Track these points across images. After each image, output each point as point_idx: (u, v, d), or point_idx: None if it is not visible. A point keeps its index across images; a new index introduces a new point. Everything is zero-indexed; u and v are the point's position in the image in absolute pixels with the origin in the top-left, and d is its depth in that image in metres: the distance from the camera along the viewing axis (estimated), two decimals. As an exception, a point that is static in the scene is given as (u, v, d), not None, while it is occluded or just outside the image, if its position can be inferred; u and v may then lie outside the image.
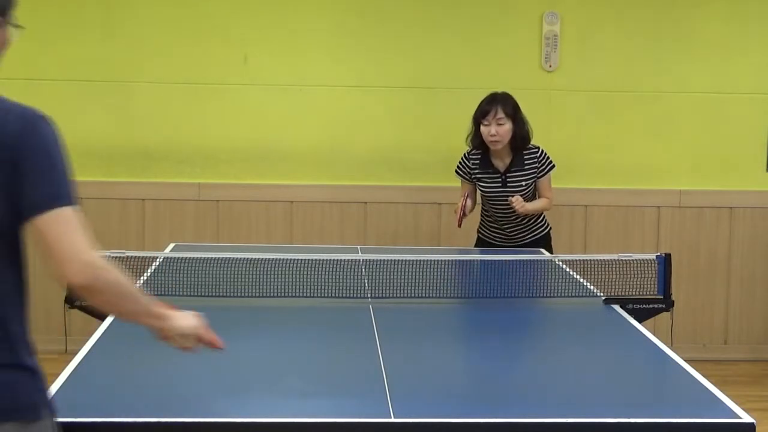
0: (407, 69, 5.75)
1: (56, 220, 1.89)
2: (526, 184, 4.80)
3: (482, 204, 4.97)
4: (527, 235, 4.88)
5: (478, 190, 4.93)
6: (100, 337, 2.97)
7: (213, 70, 5.71)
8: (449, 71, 5.74)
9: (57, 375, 2.54)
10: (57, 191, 1.91)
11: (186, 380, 2.63)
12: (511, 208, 4.74)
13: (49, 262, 1.90)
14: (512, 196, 4.74)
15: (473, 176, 4.87)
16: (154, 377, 2.67)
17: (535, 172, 4.81)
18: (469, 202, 4.81)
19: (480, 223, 5.01)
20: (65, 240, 1.89)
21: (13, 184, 1.90)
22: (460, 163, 4.92)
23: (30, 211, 1.90)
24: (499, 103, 4.74)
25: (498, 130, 4.71)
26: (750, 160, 5.86)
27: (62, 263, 1.89)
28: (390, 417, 2.31)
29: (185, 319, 2.18)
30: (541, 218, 4.93)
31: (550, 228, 4.99)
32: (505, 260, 4.11)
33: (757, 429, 2.30)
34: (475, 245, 5.05)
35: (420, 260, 3.86)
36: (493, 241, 4.93)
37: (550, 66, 5.75)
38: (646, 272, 3.77)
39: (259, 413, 2.32)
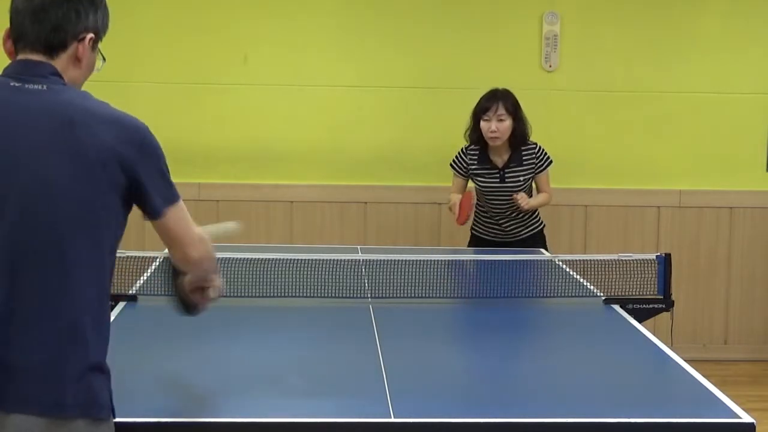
0: (407, 69, 5.75)
1: (174, 216, 2.17)
2: (524, 180, 4.82)
3: (478, 200, 4.97)
4: (523, 230, 4.90)
5: (475, 185, 4.92)
6: (100, 337, 2.96)
7: (213, 70, 5.71)
8: (449, 71, 5.74)
9: (57, 375, 2.54)
10: (170, 191, 2.17)
11: (186, 380, 2.63)
12: (509, 203, 4.75)
13: (176, 248, 2.22)
14: (511, 192, 4.74)
15: (470, 172, 4.88)
16: (154, 377, 2.66)
17: (533, 169, 4.83)
18: (467, 201, 4.79)
19: (474, 220, 5.00)
20: (186, 230, 2.20)
21: (129, 188, 2.10)
22: (456, 157, 4.92)
23: (156, 212, 2.15)
24: (500, 99, 4.76)
25: (498, 127, 4.72)
26: (750, 160, 5.86)
27: (187, 247, 2.21)
28: (390, 417, 2.31)
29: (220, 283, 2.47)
30: (535, 214, 4.94)
31: (544, 225, 5.00)
32: (505, 260, 4.11)
33: (757, 429, 2.30)
34: (469, 244, 5.04)
35: (420, 260, 3.86)
36: (489, 238, 4.93)
37: (550, 66, 5.75)
38: (646, 272, 3.76)
39: (259, 413, 2.32)
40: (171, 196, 2.16)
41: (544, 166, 4.85)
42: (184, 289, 2.44)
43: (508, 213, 4.83)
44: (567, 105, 5.79)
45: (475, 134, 4.82)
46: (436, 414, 2.33)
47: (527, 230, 4.90)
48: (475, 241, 5.01)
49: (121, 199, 2.10)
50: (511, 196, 4.79)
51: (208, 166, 5.73)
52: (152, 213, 2.15)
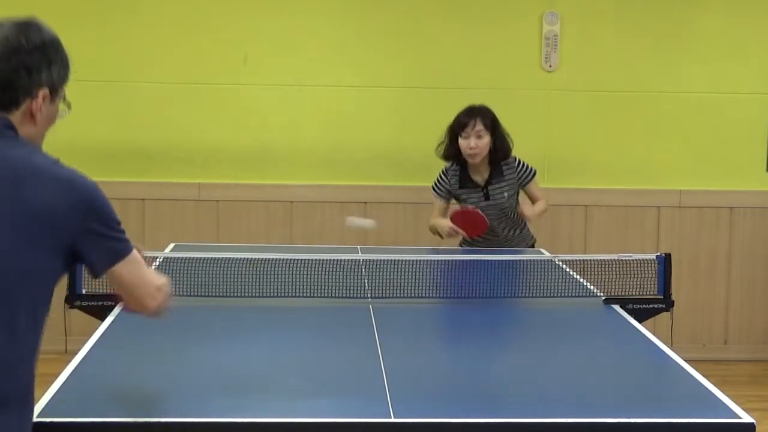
0: (407, 69, 5.75)
1: (127, 269, 2.14)
2: (508, 195, 4.74)
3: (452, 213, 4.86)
4: (515, 248, 4.84)
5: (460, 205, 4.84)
6: (100, 338, 2.97)
7: (213, 70, 5.71)
8: (449, 71, 5.74)
9: (57, 375, 2.54)
10: (121, 246, 2.13)
11: (186, 380, 2.63)
12: (498, 220, 4.70)
13: (130, 301, 2.22)
14: (497, 209, 4.70)
15: (453, 193, 4.80)
16: (154, 377, 2.67)
17: (515, 183, 4.75)
18: (460, 217, 4.72)
19: (463, 241, 4.87)
20: (139, 284, 2.18)
21: (74, 248, 2.07)
22: (438, 180, 4.81)
23: (101, 269, 2.12)
24: (478, 115, 4.66)
25: (477, 143, 4.63)
26: (750, 160, 5.86)
27: (142, 299, 2.20)
28: (390, 417, 2.31)
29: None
30: (525, 230, 4.87)
31: (535, 240, 4.94)
32: (506, 260, 4.10)
33: (757, 429, 2.30)
34: None
35: (420, 260, 3.86)
36: None
37: (550, 66, 5.75)
38: (646, 272, 3.76)
39: (259, 413, 2.32)
40: (119, 251, 2.13)
41: (528, 178, 4.76)
42: None
43: (497, 231, 4.77)
44: (567, 105, 5.79)
45: (450, 150, 4.72)
46: (436, 414, 2.33)
47: (519, 248, 4.85)
48: None
49: (61, 260, 2.06)
50: (497, 212, 4.72)
51: (208, 166, 5.73)
52: (96, 272, 2.13)
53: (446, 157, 4.77)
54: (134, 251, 2.16)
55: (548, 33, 5.74)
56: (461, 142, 4.66)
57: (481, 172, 4.74)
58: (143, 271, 2.19)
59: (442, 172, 4.82)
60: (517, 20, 5.75)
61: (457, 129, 4.69)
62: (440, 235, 4.81)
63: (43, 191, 2.01)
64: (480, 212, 4.64)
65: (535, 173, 4.79)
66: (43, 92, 2.08)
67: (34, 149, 2.09)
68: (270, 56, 5.73)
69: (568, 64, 5.77)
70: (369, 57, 5.76)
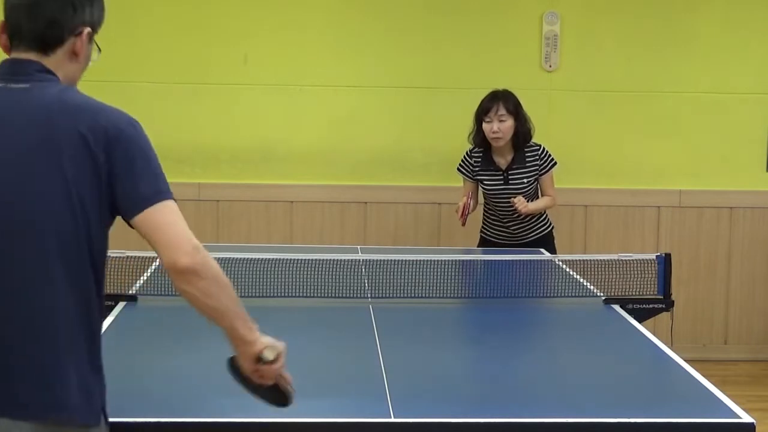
0: (407, 69, 5.75)
1: (163, 212, 2.00)
2: (527, 182, 4.82)
3: (485, 203, 4.97)
4: (531, 233, 4.90)
5: (480, 188, 4.93)
6: (100, 337, 2.96)
7: (213, 70, 5.71)
8: (449, 71, 5.74)
9: (57, 375, 2.54)
10: (159, 186, 2.04)
11: (186, 380, 2.63)
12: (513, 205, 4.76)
13: (160, 250, 2.00)
14: (514, 196, 4.75)
15: (475, 175, 4.88)
16: (154, 377, 2.67)
17: (536, 170, 4.84)
18: (471, 201, 4.81)
19: (483, 222, 5.01)
20: (174, 229, 2.00)
21: (115, 181, 1.99)
22: (462, 161, 4.94)
23: (137, 207, 1.99)
24: (501, 99, 4.78)
25: (500, 127, 4.74)
26: (750, 160, 5.86)
27: (173, 248, 1.99)
28: (390, 417, 2.31)
29: (273, 340, 2.15)
30: (544, 216, 4.95)
31: (553, 226, 5.01)
32: (505, 260, 4.11)
33: (757, 429, 2.30)
34: (478, 245, 5.05)
35: (420, 260, 3.86)
36: (497, 240, 4.94)
37: (550, 66, 5.75)
38: (646, 272, 3.76)
39: (259, 413, 2.32)
40: (161, 190, 2.03)
41: (548, 167, 4.86)
42: (249, 377, 2.12)
43: (514, 215, 4.83)
44: (567, 105, 5.79)
45: (479, 136, 4.84)
46: (436, 414, 2.33)
47: (534, 233, 4.90)
48: (483, 244, 5.00)
49: (99, 190, 1.99)
50: (513, 196, 4.80)
51: (208, 166, 5.73)
52: (130, 206, 1.99)
53: (476, 144, 4.87)
54: (173, 202, 2.03)
55: (548, 33, 5.74)
56: (485, 126, 4.77)
57: (504, 155, 4.84)
58: (184, 224, 2.01)
59: (466, 153, 4.94)
60: (517, 20, 5.75)
61: (480, 114, 4.81)
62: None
63: (75, 121, 1.99)
64: None
65: (555, 164, 4.90)
66: (87, 30, 2.09)
67: (68, 87, 2.09)
68: (270, 56, 5.73)
69: (568, 64, 5.77)
70: (369, 57, 5.75)
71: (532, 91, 5.64)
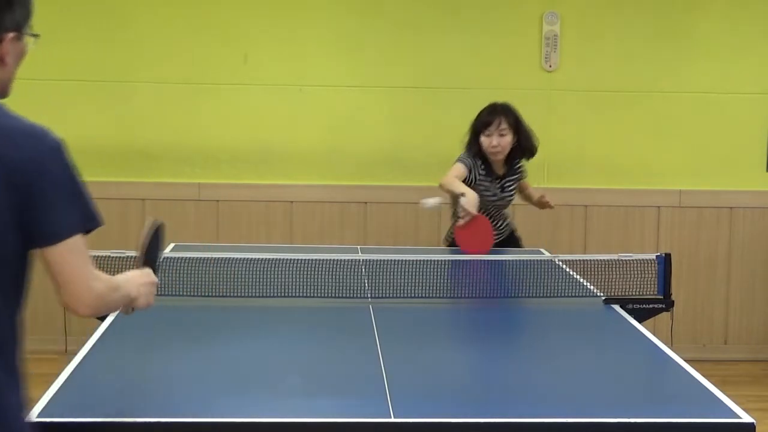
0: (407, 69, 5.75)
1: (66, 252, 1.94)
2: (513, 189, 4.91)
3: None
4: (502, 234, 4.93)
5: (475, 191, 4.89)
6: (100, 337, 2.97)
7: (213, 70, 5.71)
8: (449, 71, 5.74)
9: (57, 375, 2.54)
10: (66, 220, 1.95)
11: (186, 380, 2.63)
12: (499, 212, 4.83)
13: (60, 293, 1.98)
14: (507, 201, 4.85)
15: (477, 180, 4.83)
16: (154, 377, 2.67)
17: (518, 178, 4.92)
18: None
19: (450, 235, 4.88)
20: (74, 274, 1.96)
21: (24, 210, 1.91)
22: (471, 160, 4.76)
23: (41, 241, 1.94)
24: (501, 114, 4.73)
25: (500, 142, 4.70)
26: (750, 160, 5.86)
27: (73, 298, 1.98)
28: (390, 417, 2.31)
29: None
30: (508, 220, 5.00)
31: (515, 228, 5.05)
32: (505, 260, 4.10)
33: (757, 429, 2.30)
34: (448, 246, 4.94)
35: (420, 260, 3.86)
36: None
37: (550, 66, 5.75)
38: (646, 272, 3.76)
39: (259, 413, 2.32)
40: (66, 224, 1.93)
41: (525, 175, 4.96)
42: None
43: (495, 221, 4.84)
44: (567, 105, 5.79)
45: (474, 147, 4.77)
46: (436, 414, 2.33)
47: (504, 233, 4.94)
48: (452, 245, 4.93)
49: (18, 225, 1.91)
50: (504, 204, 4.85)
51: (208, 166, 5.73)
52: (36, 239, 1.92)
53: (471, 155, 4.80)
54: (76, 238, 1.94)
55: (548, 33, 5.74)
56: (483, 139, 4.72)
57: (501, 166, 4.83)
58: (81, 264, 1.95)
59: (472, 160, 4.81)
60: (517, 20, 5.75)
61: (480, 127, 4.75)
62: (452, 198, 4.67)
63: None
64: (490, 232, 4.59)
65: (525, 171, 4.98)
66: (10, 35, 2.00)
67: None
68: (270, 56, 5.73)
69: (568, 64, 5.77)
70: (369, 57, 5.76)
71: (532, 91, 5.64)
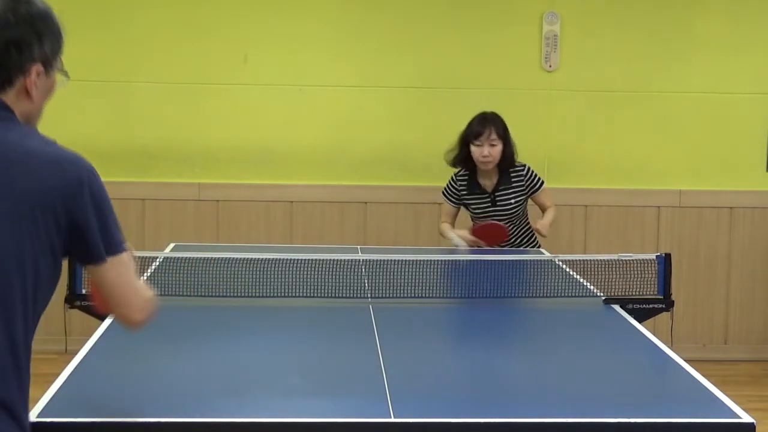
0: (407, 69, 5.75)
1: (117, 268, 2.04)
2: (515, 203, 4.80)
3: (472, 226, 4.88)
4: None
5: (469, 212, 4.89)
6: (100, 337, 2.97)
7: (213, 70, 5.71)
8: (449, 71, 5.74)
9: (57, 375, 2.54)
10: (112, 240, 2.04)
11: (186, 380, 2.63)
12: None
13: (116, 306, 2.09)
14: (504, 215, 4.77)
15: (462, 199, 4.85)
16: (154, 377, 2.67)
17: (523, 190, 4.82)
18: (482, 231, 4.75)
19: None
20: (129, 287, 2.08)
21: (68, 235, 1.98)
22: (448, 186, 4.89)
23: (92, 261, 2.02)
24: (492, 124, 4.74)
25: (491, 151, 4.71)
26: (750, 160, 5.87)
27: (130, 310, 2.09)
28: (390, 417, 2.31)
29: None
30: (529, 235, 4.92)
31: (539, 245, 4.98)
32: (506, 260, 4.10)
33: (757, 429, 2.30)
34: None
35: (420, 260, 3.86)
36: None
37: (550, 66, 5.75)
38: (646, 272, 3.76)
39: (259, 413, 2.32)
40: (110, 246, 2.02)
41: (537, 187, 4.84)
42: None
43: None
44: (567, 105, 5.79)
45: (461, 157, 4.79)
46: (436, 414, 2.33)
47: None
48: None
49: (53, 246, 1.96)
50: (503, 218, 4.79)
51: (208, 166, 5.73)
52: (91, 259, 2.01)
53: (455, 163, 4.83)
54: (127, 253, 2.07)
55: (548, 33, 5.74)
56: (474, 149, 4.72)
57: (490, 177, 4.81)
58: (133, 277, 2.08)
59: (452, 179, 4.89)
60: (517, 20, 5.75)
61: (470, 137, 4.76)
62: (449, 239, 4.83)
63: (33, 174, 1.93)
64: (500, 224, 4.70)
65: (543, 183, 4.87)
66: (36, 68, 2.00)
67: (28, 131, 2.01)
68: (270, 56, 5.73)
69: (568, 64, 5.77)
70: (369, 57, 5.76)
71: (532, 91, 5.64)
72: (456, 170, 4.89)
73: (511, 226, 4.83)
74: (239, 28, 5.71)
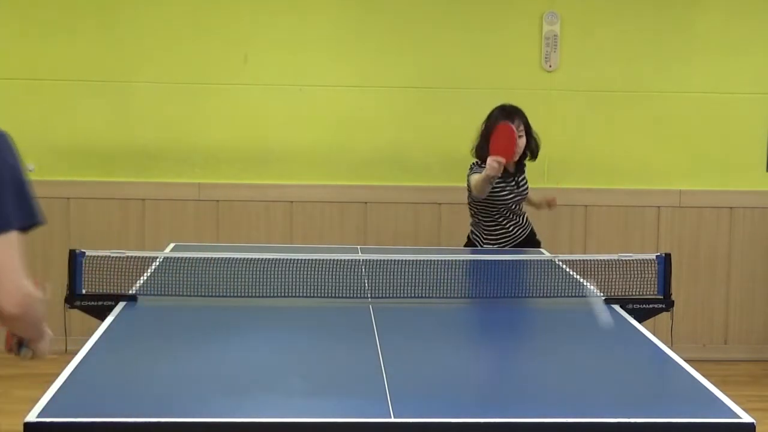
0: (407, 69, 5.75)
1: (3, 244, 1.86)
2: (526, 184, 4.92)
3: (487, 215, 4.85)
4: (524, 230, 4.92)
5: (495, 197, 4.87)
6: (100, 337, 2.97)
7: (213, 70, 5.72)
8: (449, 71, 5.74)
9: (57, 375, 2.54)
10: (8, 213, 1.87)
11: (186, 380, 2.63)
12: (519, 207, 4.86)
13: None
14: (524, 197, 4.89)
15: (492, 183, 4.86)
16: (154, 377, 2.67)
17: (526, 176, 4.95)
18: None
19: (479, 229, 4.89)
20: (8, 269, 1.87)
21: None
22: (476, 163, 4.77)
23: None
24: (517, 116, 4.75)
25: (518, 143, 4.72)
26: (750, 160, 5.87)
27: (2, 293, 1.89)
28: (390, 417, 2.31)
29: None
30: (529, 225, 5.01)
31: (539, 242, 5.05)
32: (505, 260, 4.10)
33: (757, 429, 2.30)
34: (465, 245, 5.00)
35: (420, 260, 3.86)
36: (492, 245, 4.90)
37: (550, 66, 5.75)
38: (646, 272, 3.76)
39: (259, 413, 2.32)
40: (16, 217, 1.86)
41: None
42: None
43: (514, 217, 4.87)
44: (567, 105, 5.80)
45: (486, 150, 4.67)
46: (436, 414, 2.33)
47: (526, 230, 4.93)
48: (471, 245, 4.96)
49: None
50: (521, 200, 4.89)
51: (208, 166, 5.74)
52: None
53: (481, 156, 4.75)
54: (16, 234, 1.87)
55: (548, 33, 5.74)
56: None
57: (511, 165, 4.82)
58: (15, 261, 1.88)
59: (476, 164, 4.78)
60: (517, 20, 5.75)
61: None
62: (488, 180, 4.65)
63: None
64: (504, 124, 4.58)
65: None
66: None
67: None
68: (270, 56, 5.73)
69: (568, 64, 5.77)
70: (369, 57, 5.76)
71: (532, 91, 5.64)
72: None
73: (522, 208, 4.93)
74: (239, 28, 5.71)
